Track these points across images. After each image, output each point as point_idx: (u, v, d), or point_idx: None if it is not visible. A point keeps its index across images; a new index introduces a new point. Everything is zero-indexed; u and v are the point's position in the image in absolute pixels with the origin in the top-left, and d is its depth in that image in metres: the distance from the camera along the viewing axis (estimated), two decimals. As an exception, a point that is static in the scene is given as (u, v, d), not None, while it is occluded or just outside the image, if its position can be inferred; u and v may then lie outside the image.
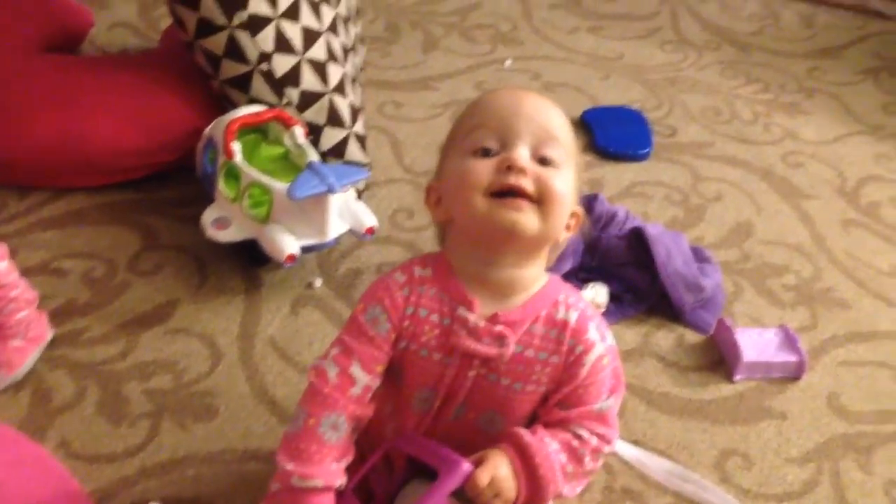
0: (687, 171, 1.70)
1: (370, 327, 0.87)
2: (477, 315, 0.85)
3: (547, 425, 0.87)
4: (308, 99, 1.47)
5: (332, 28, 1.57)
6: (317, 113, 1.48)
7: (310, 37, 1.49)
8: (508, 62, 2.00)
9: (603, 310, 1.34)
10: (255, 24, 1.42)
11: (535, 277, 0.88)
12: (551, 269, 1.33)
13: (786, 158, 1.77)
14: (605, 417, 0.88)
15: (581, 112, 1.82)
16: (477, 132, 0.85)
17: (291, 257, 1.25)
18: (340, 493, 0.87)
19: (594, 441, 0.87)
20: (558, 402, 0.88)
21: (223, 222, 1.32)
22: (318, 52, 1.50)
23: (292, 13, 1.47)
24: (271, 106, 1.44)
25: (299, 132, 1.40)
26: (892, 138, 1.86)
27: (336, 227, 1.30)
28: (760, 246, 1.53)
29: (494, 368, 0.86)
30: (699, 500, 1.09)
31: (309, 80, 1.47)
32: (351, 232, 1.33)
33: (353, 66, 1.66)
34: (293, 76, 1.46)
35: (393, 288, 0.88)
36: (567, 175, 0.85)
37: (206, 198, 1.38)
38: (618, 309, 1.35)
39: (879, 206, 1.66)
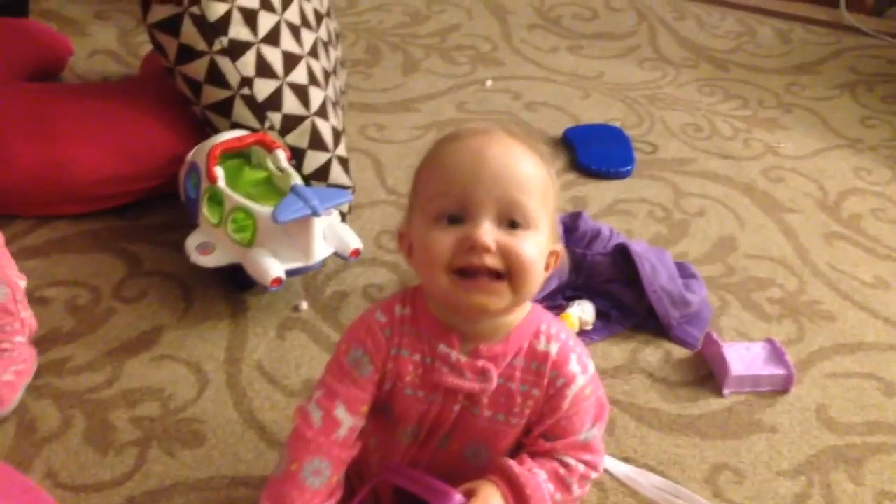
0: (669, 188, 1.71)
1: (353, 369, 0.87)
2: (458, 351, 0.85)
3: (533, 455, 0.87)
4: (290, 123, 1.47)
5: (313, 52, 1.57)
6: (299, 136, 1.48)
7: (291, 61, 1.49)
8: (489, 82, 2.02)
9: (590, 327, 1.34)
10: (236, 50, 1.42)
11: (516, 315, 0.86)
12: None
13: (767, 173, 1.78)
14: (591, 446, 0.89)
15: (563, 131, 1.83)
16: (439, 199, 0.80)
17: (277, 281, 1.25)
18: None
19: (581, 468, 0.87)
20: (542, 433, 0.88)
21: (207, 247, 1.31)
22: (299, 75, 1.50)
23: (273, 38, 1.47)
24: (254, 130, 1.44)
25: (282, 156, 1.40)
26: (870, 151, 1.88)
27: (321, 249, 1.30)
28: (745, 260, 1.53)
29: (477, 402, 0.86)
30: (692, 516, 1.09)
31: (291, 104, 1.48)
32: (336, 254, 1.32)
33: (335, 90, 1.67)
34: (275, 100, 1.46)
35: (375, 329, 0.87)
36: (538, 234, 0.81)
37: (190, 223, 1.37)
38: (605, 326, 1.36)
39: (861, 218, 1.67)
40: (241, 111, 1.44)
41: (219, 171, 1.33)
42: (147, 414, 1.17)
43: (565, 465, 0.87)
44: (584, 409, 0.88)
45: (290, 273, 1.27)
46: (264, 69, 1.45)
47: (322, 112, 1.52)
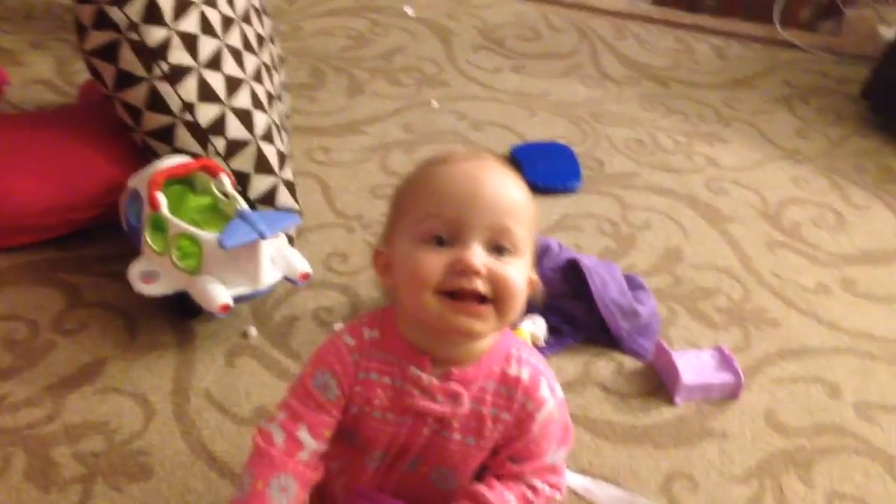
0: (615, 202, 1.73)
1: (319, 394, 0.86)
2: (429, 373, 0.84)
3: (499, 478, 0.87)
4: (234, 147, 1.46)
5: (256, 76, 1.56)
6: (244, 161, 1.47)
7: (233, 85, 1.48)
8: (435, 103, 2.02)
9: (542, 343, 1.34)
10: (177, 75, 1.41)
11: (489, 339, 0.86)
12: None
13: (709, 185, 1.81)
14: (556, 468, 0.89)
15: (509, 149, 1.84)
16: (430, 220, 0.80)
17: (225, 307, 1.23)
18: None
19: (547, 490, 0.88)
20: (510, 456, 0.88)
21: (151, 276, 1.29)
22: (242, 100, 1.49)
23: (214, 62, 1.46)
24: (197, 156, 1.42)
25: (227, 181, 1.39)
26: (808, 161, 1.93)
27: (269, 274, 1.29)
28: (691, 270, 1.56)
29: (448, 426, 0.85)
30: (648, 526, 1.09)
31: (234, 129, 1.46)
32: (285, 279, 1.31)
33: (279, 114, 1.66)
34: (218, 125, 1.45)
35: (343, 353, 0.86)
36: (523, 261, 0.82)
37: (133, 252, 1.34)
38: (557, 341, 1.36)
39: (801, 226, 1.71)
40: (183, 137, 1.43)
41: (161, 198, 1.31)
42: (91, 449, 1.13)
43: (532, 489, 0.87)
44: (552, 433, 0.88)
45: (238, 299, 1.26)
46: (207, 94, 1.44)
47: (267, 136, 1.51)
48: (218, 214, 1.38)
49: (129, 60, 1.39)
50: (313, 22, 2.36)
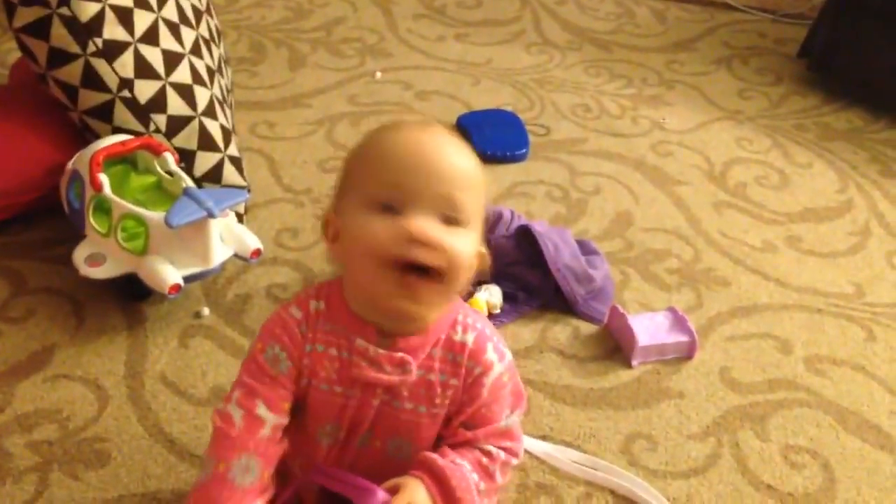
0: (564, 168, 1.74)
1: (271, 367, 0.85)
2: (376, 344, 0.83)
3: (453, 446, 0.87)
4: (176, 124, 1.42)
5: (195, 50, 1.52)
6: (187, 138, 1.43)
7: (172, 60, 1.44)
8: (379, 74, 2.00)
9: (498, 310, 1.35)
10: (112, 51, 1.36)
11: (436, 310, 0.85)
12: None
13: (655, 148, 1.83)
14: (511, 432, 0.89)
15: (456, 118, 1.83)
16: (380, 188, 0.79)
17: (175, 287, 1.20)
18: None
19: (503, 455, 0.88)
20: (462, 422, 0.87)
21: (97, 259, 1.26)
22: (182, 75, 1.45)
23: (151, 37, 1.42)
24: (138, 134, 1.38)
25: (170, 159, 1.35)
26: (750, 122, 1.96)
27: (220, 252, 1.26)
28: (641, 234, 1.57)
29: (397, 395, 0.85)
30: (610, 486, 1.11)
31: (175, 105, 1.42)
32: (236, 256, 1.29)
33: (221, 89, 1.62)
34: (158, 102, 1.41)
35: (290, 325, 0.85)
36: (472, 233, 0.81)
37: (76, 235, 1.30)
38: (513, 308, 1.36)
39: (746, 186, 1.74)
40: (122, 115, 1.38)
41: (103, 179, 1.27)
42: (45, 437, 1.10)
43: (487, 454, 0.87)
44: (503, 397, 0.88)
45: (188, 279, 1.23)
46: (144, 70, 1.39)
47: (209, 111, 1.47)
48: (163, 193, 1.35)
49: (61, 37, 1.34)
50: (250, -7, 2.31)
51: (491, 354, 0.86)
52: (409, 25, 2.24)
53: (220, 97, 1.55)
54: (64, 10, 1.32)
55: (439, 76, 2.02)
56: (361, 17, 2.25)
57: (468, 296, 1.33)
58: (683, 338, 1.31)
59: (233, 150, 1.50)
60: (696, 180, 1.74)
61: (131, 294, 1.31)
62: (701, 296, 1.44)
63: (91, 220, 1.27)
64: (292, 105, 1.86)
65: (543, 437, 1.17)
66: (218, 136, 1.47)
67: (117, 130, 1.38)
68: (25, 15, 1.33)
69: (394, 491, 0.82)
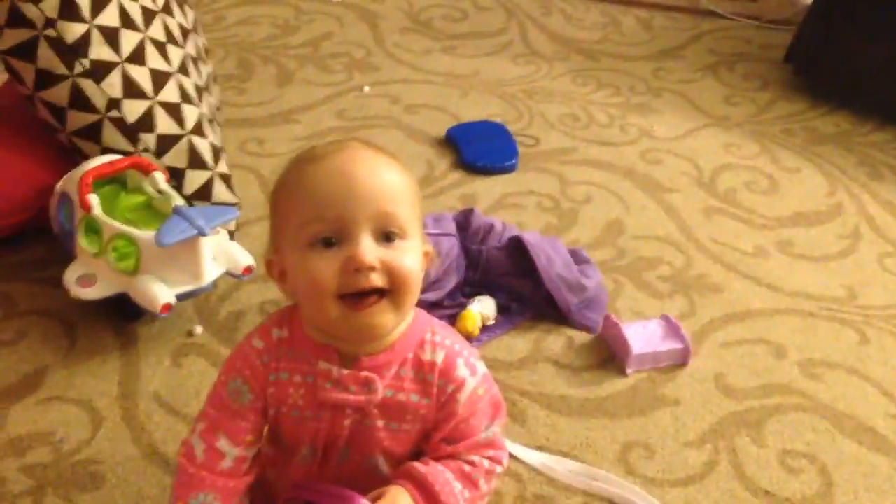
0: (555, 178, 1.74)
1: (233, 401, 0.86)
2: (339, 365, 0.84)
3: (437, 460, 0.87)
4: (165, 143, 1.42)
5: (183, 69, 1.52)
6: (177, 156, 1.43)
7: (159, 79, 1.44)
8: (367, 88, 2.00)
9: (492, 322, 1.35)
10: (100, 71, 1.36)
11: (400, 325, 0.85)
12: (436, 286, 1.33)
13: (644, 156, 1.83)
14: (493, 443, 0.90)
15: (445, 130, 1.83)
16: (312, 224, 0.78)
17: (167, 307, 1.20)
18: None
19: (486, 464, 0.88)
20: (442, 438, 0.88)
21: (88, 279, 1.25)
22: (170, 94, 1.45)
23: (138, 57, 1.42)
24: (127, 154, 1.38)
25: (160, 178, 1.35)
26: (737, 127, 1.97)
27: (211, 270, 1.26)
28: (633, 241, 1.57)
29: (368, 413, 0.85)
30: (608, 496, 1.10)
31: (164, 124, 1.42)
32: (228, 274, 1.28)
33: (209, 106, 1.62)
34: (147, 121, 1.41)
35: (252, 357, 0.86)
36: (413, 242, 0.81)
37: (67, 256, 1.30)
38: (506, 319, 1.36)
39: (735, 191, 1.74)
40: (111, 135, 1.38)
41: (93, 199, 1.27)
42: (38, 461, 1.10)
43: (469, 463, 0.87)
44: (481, 410, 0.88)
45: (180, 297, 1.23)
46: (132, 89, 1.39)
47: (198, 129, 1.47)
48: (153, 212, 1.35)
49: (48, 58, 1.34)
50: (236, 11, 2.31)
51: (462, 370, 0.86)
52: (396, 39, 2.25)
53: (208, 115, 1.55)
54: (50, 32, 1.32)
55: (427, 89, 2.03)
56: (348, 33, 2.25)
57: (461, 308, 1.33)
58: (677, 345, 1.31)
59: (222, 167, 1.50)
60: (686, 187, 1.74)
61: (123, 314, 1.30)
62: (694, 302, 1.44)
63: (82, 240, 1.27)
64: (281, 121, 1.86)
65: (540, 448, 1.16)
66: (207, 154, 1.47)
67: (106, 151, 1.38)
68: (11, 37, 1.33)
69: (377, 499, 0.83)
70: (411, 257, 0.80)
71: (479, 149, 1.77)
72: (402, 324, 0.85)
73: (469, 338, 1.30)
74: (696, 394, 1.27)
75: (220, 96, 1.82)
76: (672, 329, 1.33)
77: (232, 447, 0.86)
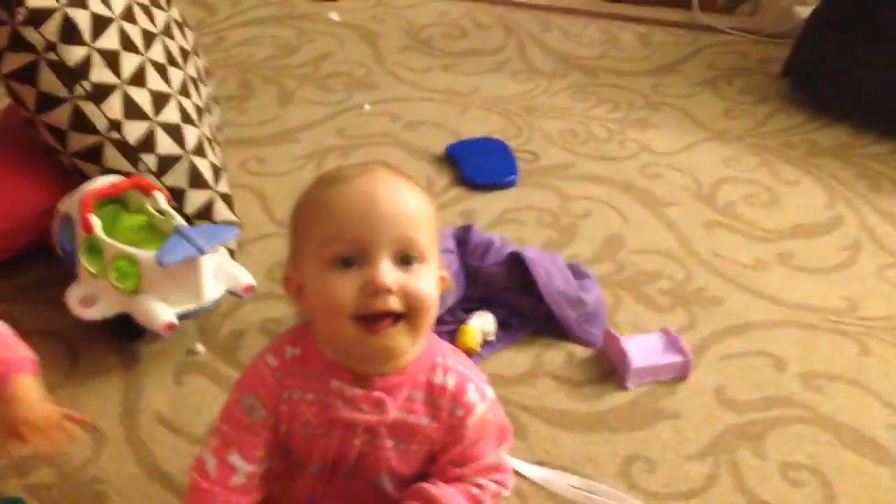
0: (554, 193, 1.75)
1: (245, 416, 0.87)
2: (351, 384, 0.85)
3: (445, 482, 0.88)
4: (166, 163, 1.43)
5: (183, 90, 1.53)
6: (177, 176, 1.44)
7: (160, 100, 1.45)
8: (367, 107, 2.01)
9: (493, 338, 1.35)
10: (100, 93, 1.38)
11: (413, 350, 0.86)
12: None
13: (644, 171, 1.84)
14: (499, 466, 0.91)
15: (445, 147, 1.84)
16: (333, 244, 0.80)
17: (169, 326, 1.20)
18: None
19: (492, 486, 0.89)
20: (450, 461, 0.88)
21: (90, 299, 1.26)
22: (170, 114, 1.46)
23: (138, 78, 1.43)
24: (128, 175, 1.39)
25: (161, 198, 1.36)
26: (736, 141, 1.97)
27: (212, 289, 1.26)
28: (633, 256, 1.58)
29: (378, 434, 0.86)
30: (610, 511, 1.11)
31: (165, 145, 1.44)
32: (229, 292, 1.29)
33: (210, 127, 1.63)
34: (147, 142, 1.42)
35: (266, 374, 0.87)
36: (431, 267, 0.82)
37: (68, 277, 1.31)
38: (506, 334, 1.37)
39: (735, 205, 1.75)
40: (112, 156, 1.40)
41: (94, 220, 1.28)
42: (42, 481, 1.10)
43: (477, 486, 0.88)
44: (489, 435, 0.89)
45: (182, 316, 1.23)
46: (133, 111, 1.41)
47: (199, 150, 1.49)
48: (154, 232, 1.35)
49: (49, 81, 1.35)
50: (237, 32, 2.33)
51: (472, 395, 0.87)
52: (396, 58, 2.26)
53: (209, 135, 1.57)
54: (51, 55, 1.34)
55: (427, 107, 2.04)
56: (349, 52, 2.27)
57: (461, 324, 1.33)
58: (677, 358, 1.31)
59: (223, 187, 1.51)
60: (686, 201, 1.75)
61: (125, 334, 1.31)
62: (694, 316, 1.44)
63: (84, 261, 1.28)
64: (282, 140, 1.87)
65: (541, 463, 1.16)
66: (208, 174, 1.48)
67: (107, 172, 1.39)
68: (13, 61, 1.35)
69: None
70: (429, 282, 0.81)
71: (478, 165, 1.77)
72: (417, 347, 0.85)
73: (469, 353, 1.30)
74: (696, 407, 1.27)
75: (221, 116, 1.84)
76: (672, 342, 1.33)
77: (244, 463, 0.87)
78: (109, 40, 1.40)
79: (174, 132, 1.45)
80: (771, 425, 1.25)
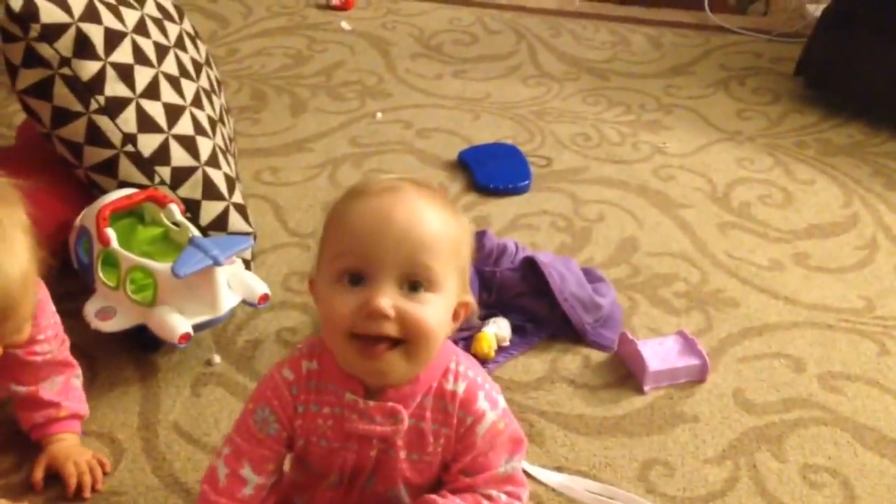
0: (567, 198, 1.74)
1: (259, 429, 0.87)
2: (365, 396, 0.85)
3: (454, 492, 0.88)
4: (180, 175, 1.44)
5: (196, 102, 1.54)
6: (192, 188, 1.45)
7: (173, 113, 1.46)
8: (379, 115, 2.02)
9: (508, 343, 1.35)
10: (115, 107, 1.39)
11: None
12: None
13: (657, 173, 1.84)
14: (512, 478, 0.89)
15: (457, 153, 1.85)
16: (342, 259, 0.80)
17: (185, 337, 1.21)
18: None
19: (504, 498, 0.88)
20: (461, 470, 0.88)
21: (107, 312, 1.27)
22: (184, 127, 1.47)
23: (152, 92, 1.44)
24: (143, 187, 1.40)
25: (176, 210, 1.37)
26: (749, 142, 1.97)
27: (228, 299, 1.27)
28: (647, 259, 1.57)
29: (392, 444, 0.86)
30: (629, 515, 1.10)
31: (179, 157, 1.44)
32: (244, 303, 1.29)
33: (223, 138, 1.64)
34: (162, 154, 1.43)
35: (281, 388, 0.87)
36: (441, 296, 0.80)
37: (85, 290, 1.32)
38: (522, 339, 1.36)
39: (750, 205, 1.74)
40: (127, 169, 1.40)
41: (110, 233, 1.28)
42: (62, 494, 1.10)
43: (488, 497, 0.87)
44: (500, 444, 0.88)
45: (198, 327, 1.24)
46: (147, 124, 1.42)
47: (213, 161, 1.49)
48: (170, 244, 1.36)
49: (64, 96, 1.36)
50: (249, 43, 2.34)
51: (482, 403, 0.87)
52: (408, 65, 2.27)
53: (222, 146, 1.57)
54: (66, 70, 1.35)
55: (439, 113, 2.04)
56: (360, 60, 2.28)
57: (476, 331, 1.33)
58: (694, 361, 1.30)
59: (237, 197, 1.51)
60: (700, 202, 1.74)
61: (142, 345, 1.31)
62: (710, 318, 1.44)
63: (100, 273, 1.29)
64: (295, 150, 1.88)
65: (559, 468, 1.16)
66: (222, 185, 1.49)
67: (123, 185, 1.40)
68: (28, 77, 1.36)
69: None
70: (434, 310, 0.79)
71: (491, 171, 1.78)
72: (420, 368, 0.85)
73: (485, 360, 1.31)
74: (714, 410, 1.26)
75: (234, 127, 1.85)
76: (689, 345, 1.33)
77: (254, 475, 0.87)
78: (123, 54, 1.41)
79: (188, 144, 1.46)
80: (790, 427, 1.24)
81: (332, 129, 1.96)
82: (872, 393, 1.30)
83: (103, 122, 1.38)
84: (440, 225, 0.81)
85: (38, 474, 1.10)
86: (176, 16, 1.63)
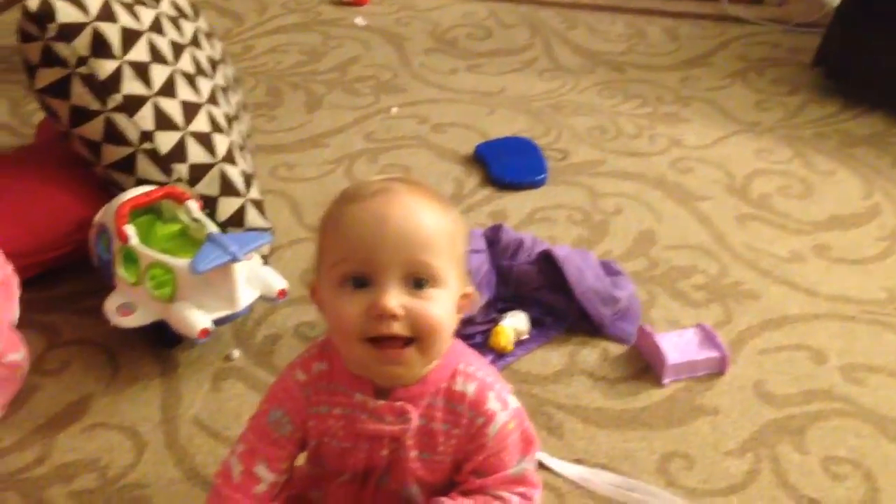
0: (584, 191, 1.74)
1: (273, 430, 0.88)
2: (374, 396, 0.85)
3: (466, 493, 0.88)
4: (198, 172, 1.45)
5: (212, 99, 1.55)
6: (209, 184, 1.46)
7: (190, 110, 1.47)
8: (395, 110, 2.02)
9: (526, 336, 1.35)
10: (132, 105, 1.40)
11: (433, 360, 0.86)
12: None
13: (675, 165, 1.83)
14: (524, 478, 0.89)
15: (473, 147, 1.84)
16: (343, 265, 0.80)
17: (204, 332, 1.22)
18: None
19: (515, 499, 0.88)
20: (472, 470, 0.88)
21: (128, 308, 1.28)
22: (200, 124, 1.48)
23: (168, 89, 1.45)
24: (161, 184, 1.41)
25: (194, 206, 1.37)
26: (768, 133, 1.95)
27: (246, 295, 1.28)
28: (666, 251, 1.56)
29: (403, 443, 0.86)
30: (650, 508, 1.10)
31: (196, 153, 1.45)
32: (262, 298, 1.30)
33: (240, 134, 1.65)
34: (179, 151, 1.44)
35: (294, 390, 0.88)
36: (446, 290, 0.81)
37: (106, 287, 1.33)
38: (540, 333, 1.36)
39: (769, 197, 1.73)
40: (145, 166, 1.41)
41: (129, 230, 1.29)
42: (85, 486, 1.12)
43: (499, 498, 0.87)
44: (512, 444, 0.88)
45: (217, 322, 1.25)
46: (164, 121, 1.42)
47: (229, 157, 1.50)
48: (188, 240, 1.37)
49: (81, 95, 1.37)
50: (264, 40, 2.35)
51: (493, 404, 0.86)
52: (422, 60, 2.27)
53: (239, 143, 1.58)
54: (83, 69, 1.36)
55: (454, 108, 2.04)
56: (375, 56, 2.28)
57: (494, 324, 1.33)
58: (714, 353, 1.30)
59: (254, 193, 1.52)
60: (718, 194, 1.73)
61: (163, 341, 1.32)
62: (730, 310, 1.43)
63: (120, 270, 1.30)
64: (311, 146, 1.88)
65: (578, 461, 1.16)
66: (239, 181, 1.49)
67: (141, 182, 1.41)
68: (46, 76, 1.37)
69: None
70: (440, 305, 0.80)
71: (507, 165, 1.77)
72: (434, 361, 0.85)
73: (503, 353, 1.31)
74: (735, 402, 1.26)
75: (250, 124, 1.85)
76: (708, 337, 1.32)
77: (268, 473, 0.88)
78: (139, 53, 1.42)
79: (205, 141, 1.47)
80: (812, 419, 1.23)
81: (348, 124, 1.97)
82: (894, 384, 1.29)
83: (121, 119, 1.39)
84: (436, 221, 0.81)
85: None
86: (191, 13, 1.64)
